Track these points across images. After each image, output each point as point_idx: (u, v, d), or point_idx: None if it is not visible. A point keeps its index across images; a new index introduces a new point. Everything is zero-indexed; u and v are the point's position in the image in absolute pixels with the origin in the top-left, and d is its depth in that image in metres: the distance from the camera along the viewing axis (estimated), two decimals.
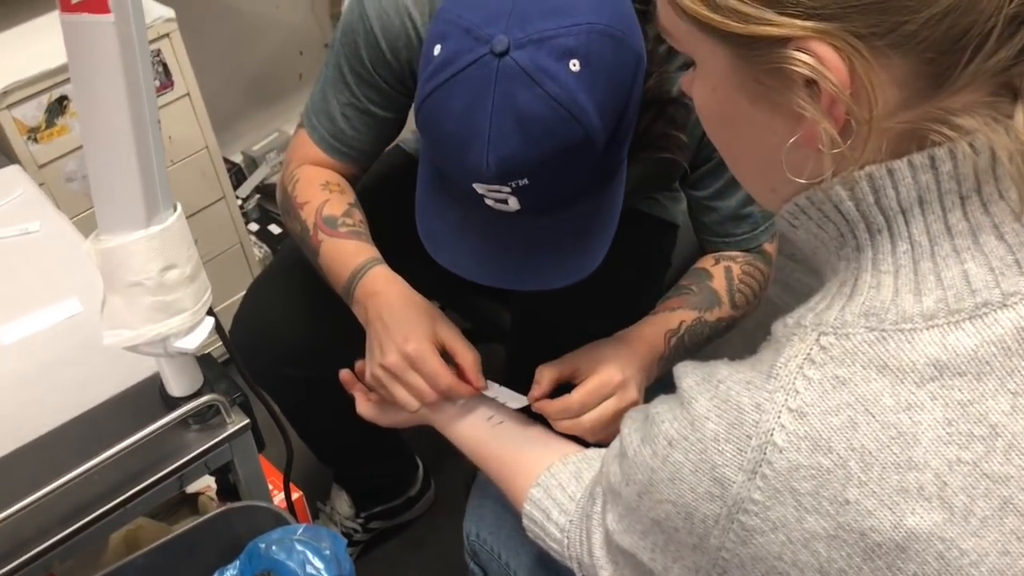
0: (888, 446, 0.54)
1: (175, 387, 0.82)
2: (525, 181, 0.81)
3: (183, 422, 0.81)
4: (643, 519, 0.65)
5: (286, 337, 1.28)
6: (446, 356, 0.97)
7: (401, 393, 0.97)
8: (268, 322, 1.29)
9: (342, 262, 1.07)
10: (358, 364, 1.09)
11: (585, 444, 0.95)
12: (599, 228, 0.87)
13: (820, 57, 0.52)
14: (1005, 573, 0.53)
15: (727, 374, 0.61)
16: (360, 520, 1.63)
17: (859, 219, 0.57)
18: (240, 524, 0.80)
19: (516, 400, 0.97)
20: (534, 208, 0.86)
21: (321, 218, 1.09)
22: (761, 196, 0.65)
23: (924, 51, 0.51)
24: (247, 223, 2.07)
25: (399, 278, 1.04)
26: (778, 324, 0.62)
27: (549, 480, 0.87)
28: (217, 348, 1.70)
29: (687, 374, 0.64)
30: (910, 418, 0.53)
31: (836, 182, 0.56)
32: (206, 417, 0.82)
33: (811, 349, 0.57)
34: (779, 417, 0.56)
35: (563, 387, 0.97)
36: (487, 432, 0.97)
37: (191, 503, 0.97)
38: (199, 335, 0.76)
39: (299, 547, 0.73)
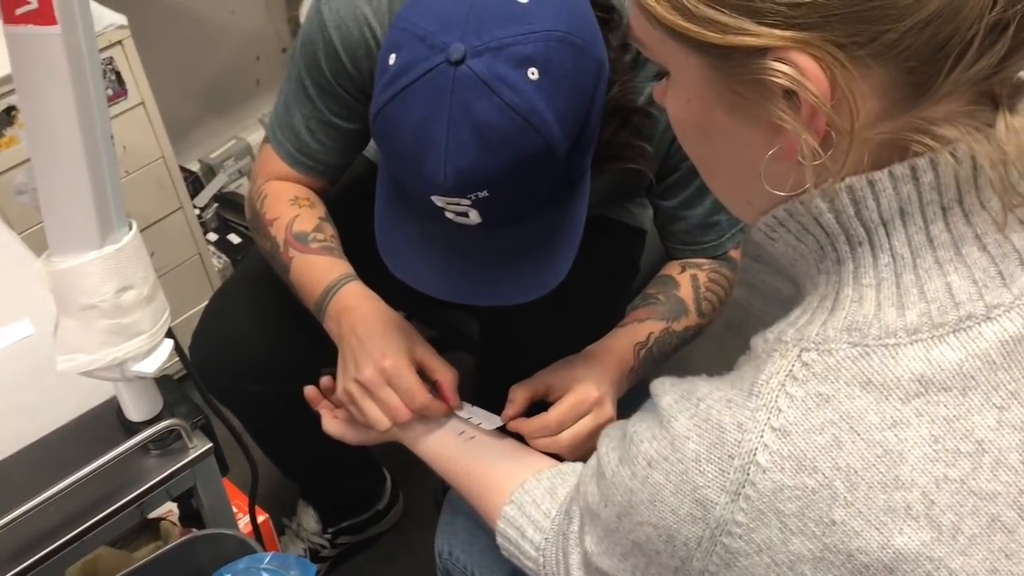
0: (874, 465, 0.52)
1: (134, 412, 0.79)
2: (485, 193, 0.79)
3: (143, 448, 0.78)
4: (623, 541, 0.63)
5: (248, 352, 1.24)
6: (421, 375, 0.95)
7: (373, 410, 0.95)
8: (229, 337, 1.25)
9: (314, 278, 1.04)
10: (323, 380, 1.06)
11: (558, 458, 0.93)
12: (562, 241, 0.86)
13: (800, 67, 0.50)
14: None
15: (707, 392, 0.59)
16: (328, 536, 1.60)
17: (839, 232, 0.56)
18: (204, 553, 0.77)
19: (490, 420, 0.95)
20: (495, 221, 0.84)
21: (291, 234, 1.07)
22: (737, 209, 0.63)
23: (906, 60, 0.50)
24: (205, 233, 2.02)
25: (374, 294, 1.02)
26: (757, 339, 0.60)
27: (523, 497, 0.85)
28: (175, 364, 1.66)
29: (666, 392, 0.62)
30: (896, 436, 0.52)
31: (816, 195, 0.55)
32: (167, 442, 0.79)
33: (793, 366, 0.55)
34: (762, 436, 0.55)
35: (536, 406, 0.96)
36: (458, 448, 0.95)
37: (152, 529, 0.94)
38: (158, 358, 0.73)
39: None
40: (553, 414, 0.93)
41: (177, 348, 0.76)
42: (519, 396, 0.95)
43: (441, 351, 0.99)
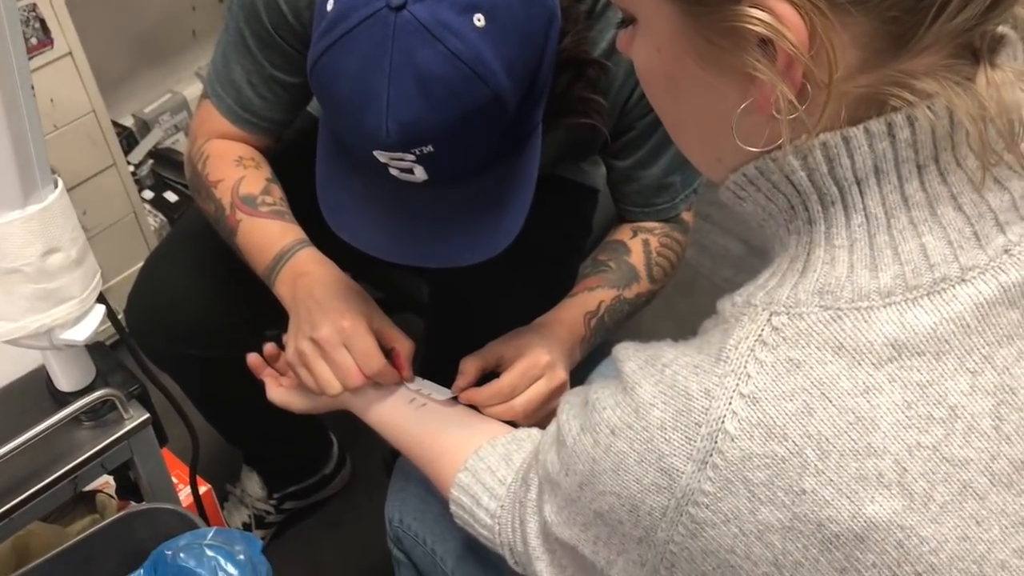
0: (846, 432, 0.51)
1: (64, 382, 0.74)
2: (430, 148, 0.76)
3: (75, 419, 0.74)
4: (584, 511, 0.61)
5: (185, 315, 1.20)
6: None
7: (324, 372, 0.91)
8: (165, 299, 1.21)
9: (265, 243, 1.00)
10: (267, 347, 1.02)
11: (513, 425, 0.91)
12: (513, 199, 0.83)
13: (778, 15, 0.47)
14: (964, 559, 0.50)
15: (672, 357, 0.57)
16: (273, 501, 1.57)
17: (811, 190, 0.54)
18: (143, 529, 0.73)
19: (441, 392, 0.93)
20: (442, 178, 0.80)
21: (238, 197, 1.02)
22: (705, 166, 0.61)
23: (888, 9, 0.47)
24: (141, 191, 1.94)
25: (329, 261, 0.98)
26: (725, 302, 0.58)
27: (477, 464, 0.83)
28: (107, 330, 1.61)
29: (629, 357, 0.60)
30: (868, 402, 0.51)
31: (789, 151, 0.52)
32: (100, 413, 0.75)
33: (763, 330, 0.53)
34: (730, 403, 0.53)
35: (486, 378, 0.93)
36: (409, 416, 0.92)
37: (87, 501, 0.89)
38: (89, 325, 0.69)
39: (210, 552, 0.67)
40: (505, 379, 0.91)
41: (110, 314, 0.72)
42: (470, 367, 0.93)
43: (389, 313, 0.96)
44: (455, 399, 0.92)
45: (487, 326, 1.04)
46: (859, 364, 0.51)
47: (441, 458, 0.87)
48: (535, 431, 0.86)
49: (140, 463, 0.76)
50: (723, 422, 0.52)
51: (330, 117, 0.84)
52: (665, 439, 0.54)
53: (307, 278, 0.96)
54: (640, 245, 1.09)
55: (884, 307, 0.51)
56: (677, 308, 2.04)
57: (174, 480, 0.86)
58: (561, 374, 0.93)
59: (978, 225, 0.52)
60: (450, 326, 1.16)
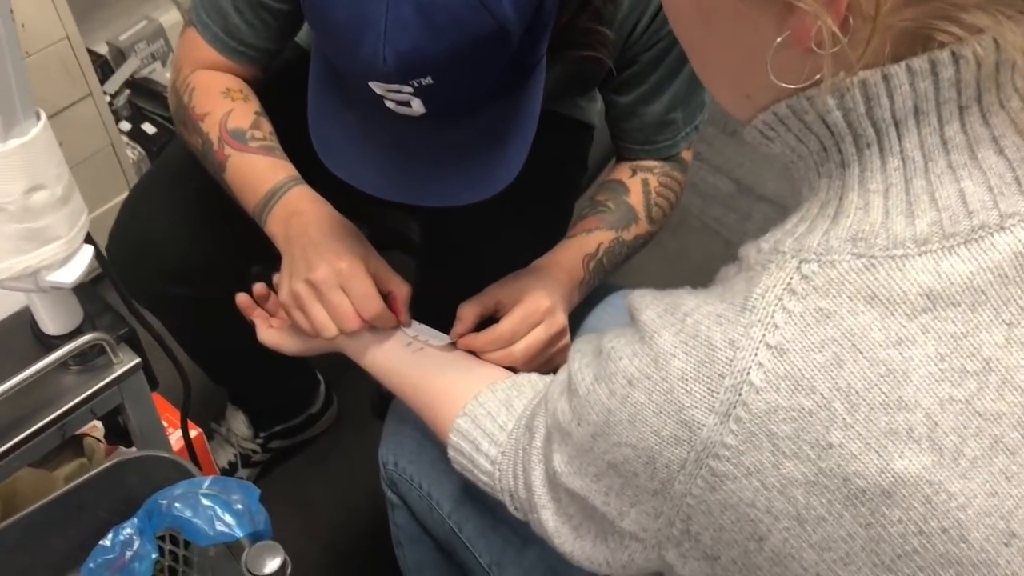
0: (877, 385, 0.49)
1: (50, 325, 0.71)
2: (429, 80, 0.72)
3: (63, 364, 0.71)
4: (596, 462, 0.59)
5: (170, 253, 1.16)
6: None
7: (320, 315, 0.88)
8: (149, 236, 1.17)
9: (256, 180, 0.96)
10: (256, 288, 0.99)
11: (512, 371, 0.89)
12: (514, 136, 0.79)
13: None
14: (992, 515, 0.49)
15: (694, 306, 0.55)
16: (259, 440, 1.55)
17: (846, 131, 0.51)
18: (136, 477, 0.71)
19: (439, 338, 0.90)
20: (440, 112, 0.77)
21: (227, 131, 0.98)
22: (732, 103, 0.58)
23: None
24: (118, 122, 1.88)
25: (323, 200, 0.95)
26: (749, 248, 0.56)
27: (477, 409, 0.81)
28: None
29: (646, 306, 0.58)
30: (900, 354, 0.49)
31: (826, 89, 0.50)
32: (89, 357, 0.72)
33: (791, 278, 0.51)
34: (756, 354, 0.51)
35: (484, 324, 0.91)
36: (407, 360, 0.90)
37: (75, 445, 0.87)
38: (77, 266, 0.65)
39: (206, 502, 0.65)
40: (505, 325, 0.89)
41: (98, 255, 0.68)
42: (467, 313, 0.90)
43: (379, 250, 0.93)
44: (453, 345, 0.90)
45: (478, 267, 1.02)
46: (892, 314, 0.49)
47: (439, 403, 0.85)
48: (535, 376, 0.84)
49: (131, 408, 0.73)
50: (748, 373, 0.51)
51: (324, 45, 0.80)
52: (686, 390, 0.53)
53: (301, 217, 0.92)
54: (639, 185, 1.06)
55: (920, 255, 0.49)
56: (667, 247, 2.02)
57: (164, 424, 0.83)
58: (561, 319, 0.91)
59: (1020, 170, 0.49)
60: (441, 267, 1.13)
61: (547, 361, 0.93)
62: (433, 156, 0.81)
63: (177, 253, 1.16)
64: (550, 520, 0.68)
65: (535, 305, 0.90)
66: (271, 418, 1.55)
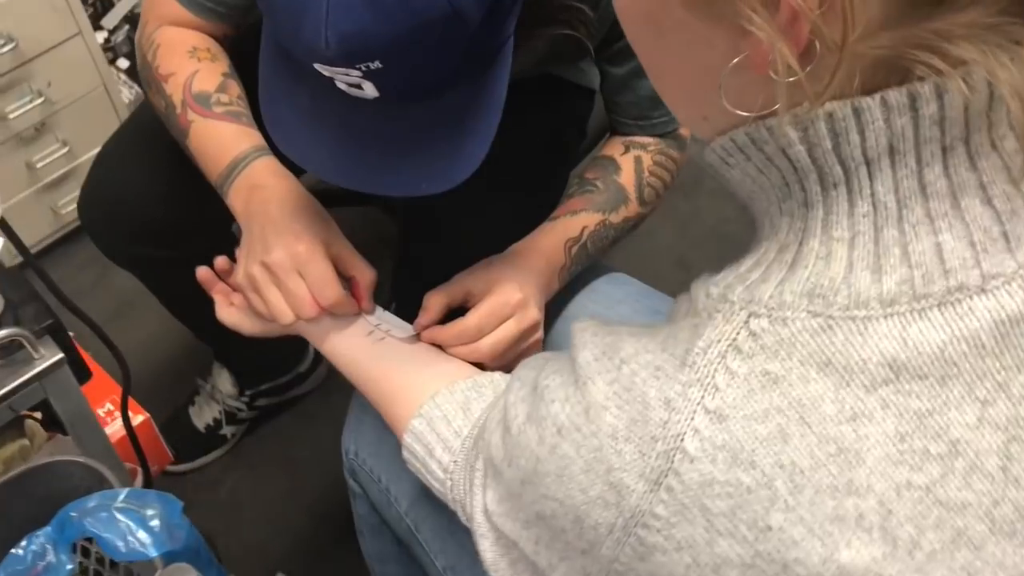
0: (825, 464, 0.43)
1: None
2: (378, 64, 0.65)
3: None
4: (526, 509, 0.54)
5: (141, 212, 1.11)
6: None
7: (276, 300, 0.83)
8: (120, 195, 1.12)
9: (218, 148, 0.90)
10: (218, 261, 0.94)
11: (481, 366, 0.83)
12: (478, 123, 0.72)
13: None
14: None
15: (632, 352, 0.49)
16: (244, 398, 1.52)
17: (810, 168, 0.44)
18: (52, 481, 0.67)
19: (403, 329, 0.85)
20: (394, 95, 0.70)
21: (190, 94, 0.92)
22: (690, 123, 0.51)
23: None
24: (115, 59, 1.82)
25: (289, 173, 0.88)
26: (699, 289, 0.49)
27: (433, 411, 0.76)
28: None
29: (585, 343, 0.52)
30: (855, 431, 0.43)
31: (787, 120, 0.43)
32: (10, 350, 0.68)
33: (738, 333, 0.45)
34: (692, 419, 0.45)
35: (454, 314, 0.85)
36: (366, 350, 0.85)
37: (17, 426, 0.83)
38: None
39: (120, 516, 0.61)
40: (471, 319, 0.83)
41: (15, 241, 0.63)
42: (433, 303, 0.84)
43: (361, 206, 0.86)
44: (417, 337, 0.84)
45: (462, 243, 0.96)
46: (848, 385, 0.43)
47: (396, 400, 0.80)
48: (498, 377, 0.79)
49: (57, 404, 0.69)
50: (683, 440, 0.45)
51: (269, 21, 0.73)
52: (616, 450, 0.47)
53: (262, 192, 0.86)
54: (631, 163, 0.99)
55: (885, 318, 0.42)
56: (679, 210, 1.94)
57: (109, 407, 0.79)
58: (533, 313, 0.85)
59: (1009, 224, 0.42)
60: (422, 242, 1.07)
61: (517, 356, 0.87)
62: (388, 142, 0.74)
63: (149, 213, 1.11)
64: (488, 551, 0.63)
65: (505, 298, 0.84)
66: (257, 376, 1.51)
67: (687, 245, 1.77)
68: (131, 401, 0.89)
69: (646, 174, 0.99)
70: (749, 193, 0.49)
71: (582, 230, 0.94)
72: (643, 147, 0.99)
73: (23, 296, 0.69)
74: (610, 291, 1.00)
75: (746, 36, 0.41)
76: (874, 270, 0.43)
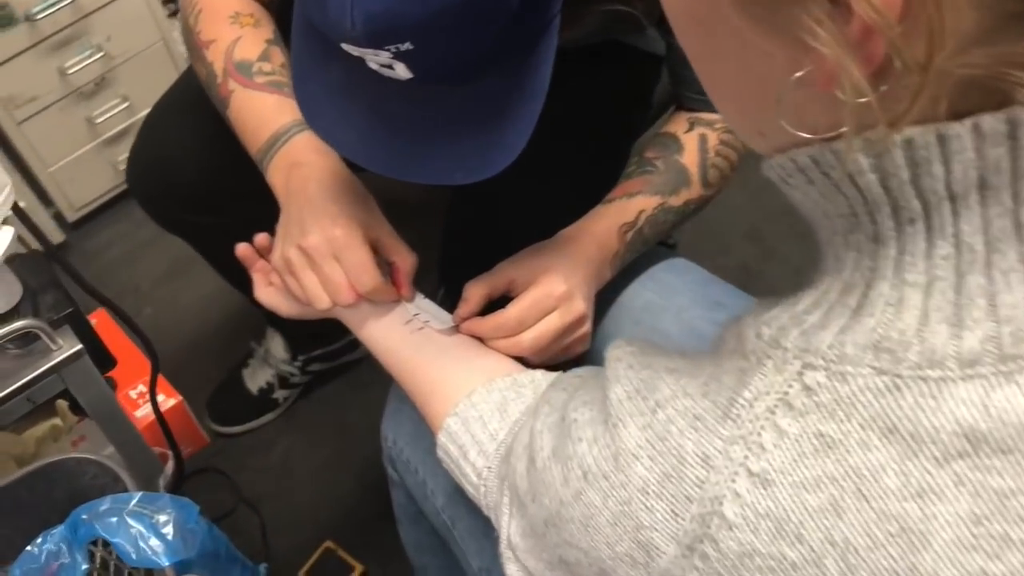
0: (884, 545, 0.37)
1: None
2: (408, 46, 0.60)
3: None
4: (550, 550, 0.50)
5: (187, 180, 1.08)
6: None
7: (313, 285, 0.79)
8: (165, 162, 1.09)
9: (258, 121, 0.86)
10: (258, 238, 0.90)
11: (524, 360, 0.79)
12: (517, 110, 0.66)
13: None
14: None
15: (670, 395, 0.43)
16: (297, 363, 1.50)
17: (883, 200, 0.38)
18: (69, 478, 0.65)
19: (441, 319, 0.80)
20: (428, 77, 0.65)
21: (232, 63, 0.88)
22: (745, 137, 0.44)
23: None
24: (175, 13, 1.79)
25: (331, 151, 0.84)
26: (747, 326, 0.44)
27: (468, 411, 0.71)
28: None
29: (619, 378, 0.46)
30: (921, 509, 0.37)
31: (856, 145, 0.36)
32: (28, 340, 0.65)
33: (790, 387, 0.39)
34: (733, 481, 0.39)
35: (497, 303, 0.80)
36: (404, 340, 0.81)
37: (48, 406, 0.82)
38: None
39: (131, 521, 0.58)
40: (512, 311, 0.78)
41: (31, 229, 0.60)
42: (474, 293, 0.79)
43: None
44: (456, 328, 0.80)
45: (516, 223, 0.90)
46: (915, 456, 0.37)
47: (431, 395, 0.76)
48: (539, 375, 0.74)
49: (77, 393, 0.67)
50: (721, 504, 0.39)
51: None
52: (646, 506, 0.42)
53: (302, 170, 0.82)
54: (695, 141, 0.92)
55: (963, 380, 0.36)
56: (751, 178, 1.84)
57: (141, 388, 0.76)
58: (579, 306, 0.80)
59: None
60: (471, 223, 1.02)
61: (563, 351, 0.82)
62: (421, 126, 0.69)
63: (195, 182, 1.08)
64: (515, 575, 0.59)
65: (549, 289, 0.79)
66: (309, 342, 1.49)
67: (759, 217, 1.68)
68: (165, 383, 0.86)
69: (711, 154, 0.92)
70: (811, 217, 0.43)
71: (638, 214, 0.88)
72: (709, 124, 0.92)
73: (43, 283, 0.67)
74: (668, 279, 0.94)
75: (809, 50, 0.34)
76: (953, 323, 0.37)
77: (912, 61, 0.32)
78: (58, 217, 1.75)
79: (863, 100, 0.34)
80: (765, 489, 0.39)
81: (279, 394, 1.52)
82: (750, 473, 0.39)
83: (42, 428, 0.81)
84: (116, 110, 1.62)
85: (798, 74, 0.36)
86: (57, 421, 0.82)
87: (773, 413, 0.39)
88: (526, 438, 0.54)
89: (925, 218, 0.37)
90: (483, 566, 0.82)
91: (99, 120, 1.61)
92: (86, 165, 1.66)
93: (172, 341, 1.67)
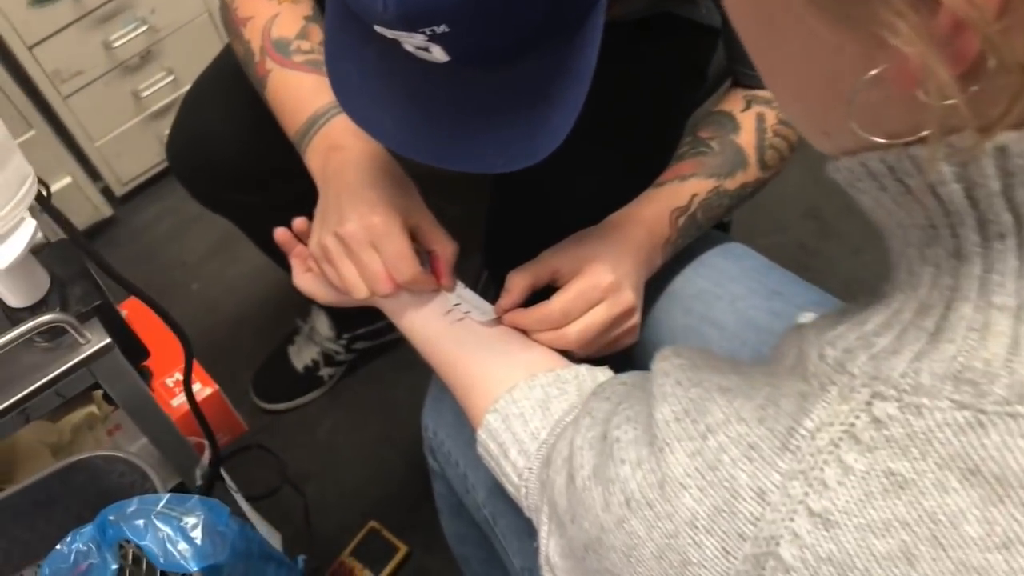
0: None
1: (10, 297, 0.62)
2: (444, 28, 0.56)
3: (28, 340, 0.62)
4: (588, 574, 0.46)
5: (226, 159, 1.06)
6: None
7: (350, 274, 0.76)
8: (204, 141, 1.07)
9: (296, 102, 0.83)
10: (296, 222, 0.88)
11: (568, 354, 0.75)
12: (562, 93, 0.62)
13: None
14: None
15: (722, 419, 0.39)
16: (342, 341, 1.48)
17: (967, 212, 0.33)
18: (98, 476, 0.63)
19: (483, 311, 0.77)
20: (466, 59, 0.61)
21: (269, 41, 0.85)
22: (809, 134, 0.40)
23: None
24: None
25: None
26: (810, 344, 0.39)
27: (509, 407, 0.68)
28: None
29: (665, 397, 0.43)
30: (1007, 562, 0.33)
31: (939, 151, 0.32)
32: (57, 332, 0.63)
33: (857, 418, 0.35)
34: (792, 520, 0.36)
35: (541, 294, 0.76)
36: (444, 332, 0.78)
37: (84, 393, 0.81)
38: (13, 246, 0.55)
39: (160, 524, 0.56)
40: (556, 303, 0.74)
41: (61, 221, 0.58)
42: (517, 284, 0.76)
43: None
44: (499, 320, 0.77)
45: (563, 202, 0.87)
46: (1001, 502, 0.33)
47: (472, 389, 0.73)
48: (584, 371, 0.70)
49: (108, 387, 0.65)
50: (778, 544, 0.36)
51: None
52: (695, 542, 0.38)
53: (341, 153, 0.79)
54: (753, 121, 0.87)
55: None
56: (810, 152, 1.77)
57: (177, 376, 0.75)
58: (627, 297, 0.76)
59: None
60: (515, 205, 0.98)
61: (610, 344, 0.78)
62: (460, 111, 0.65)
63: (235, 162, 1.07)
64: None
65: (595, 280, 0.75)
66: (354, 320, 1.47)
67: (818, 193, 1.62)
68: (201, 372, 0.85)
69: (769, 134, 0.87)
70: (882, 224, 0.39)
71: (691, 198, 0.83)
72: (767, 102, 0.87)
73: (73, 273, 0.65)
74: (723, 266, 0.89)
75: (886, 46, 0.30)
76: None
77: (1012, 60, 0.28)
78: (106, 192, 1.75)
79: (949, 103, 0.30)
80: (827, 531, 0.35)
81: (325, 372, 1.51)
82: (811, 512, 0.35)
83: (78, 415, 0.80)
84: (162, 83, 1.61)
85: (873, 72, 0.31)
86: (93, 409, 0.81)
87: (837, 446, 0.35)
88: (565, 450, 0.51)
89: (1017, 233, 0.33)
90: (525, 566, 0.80)
91: (145, 94, 1.60)
92: (132, 139, 1.66)
93: (218, 316, 1.67)
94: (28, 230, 0.56)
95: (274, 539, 1.29)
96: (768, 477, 0.36)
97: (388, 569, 1.35)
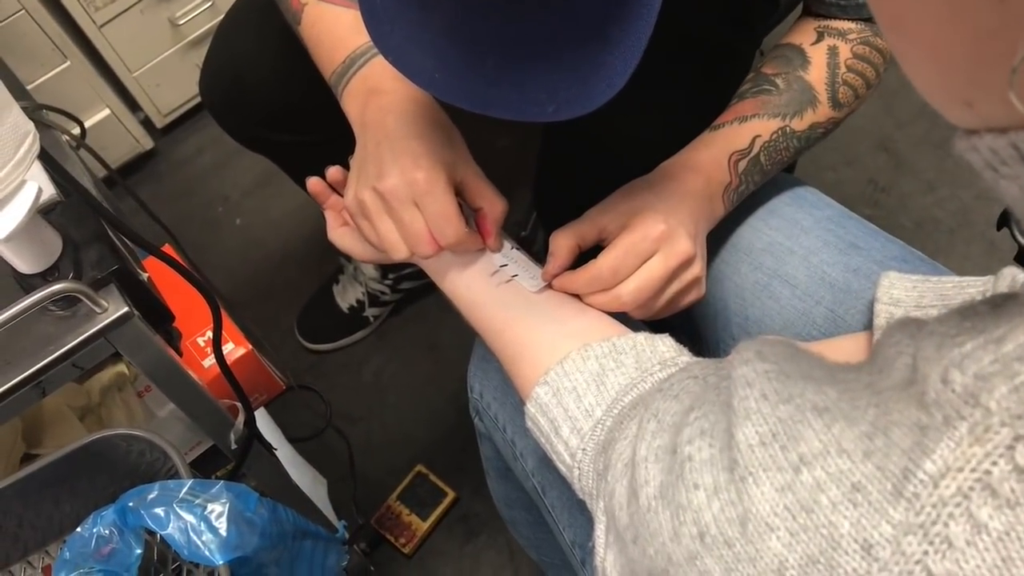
0: None
1: (20, 264, 0.57)
2: None
3: (42, 308, 0.58)
4: None
5: (261, 95, 1.00)
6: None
7: (389, 232, 0.70)
8: (238, 76, 1.01)
9: (333, 39, 0.76)
10: (331, 172, 0.81)
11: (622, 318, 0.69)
12: (623, 34, 0.54)
13: None
14: None
15: (819, 449, 0.33)
16: (388, 281, 1.43)
17: None
18: (118, 455, 0.59)
19: (532, 273, 0.70)
20: None
21: None
22: (943, 104, 0.32)
23: None
24: None
25: None
26: (928, 361, 0.32)
27: (561, 380, 0.62)
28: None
29: (748, 413, 0.36)
30: None
31: None
32: (73, 300, 0.58)
33: (994, 464, 0.28)
34: None
35: (590, 256, 0.69)
36: (489, 294, 0.71)
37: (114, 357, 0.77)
38: (12, 214, 0.50)
39: (182, 511, 0.52)
40: (604, 260, 0.67)
41: (69, 181, 0.52)
42: (561, 245, 0.69)
43: None
44: (549, 284, 0.70)
45: (619, 142, 0.79)
46: None
47: (520, 357, 0.67)
48: (642, 339, 0.63)
49: (129, 357, 0.60)
50: None
51: None
52: None
53: (381, 98, 0.72)
54: (824, 55, 0.78)
55: None
56: (884, 81, 1.67)
57: (208, 335, 0.70)
58: (684, 246, 0.68)
59: None
60: (569, 139, 0.90)
61: (670, 302, 0.71)
62: (510, 51, 0.57)
63: (270, 98, 1.00)
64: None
65: (644, 231, 0.68)
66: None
67: (892, 125, 1.51)
68: (234, 331, 0.80)
69: (842, 69, 0.78)
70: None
71: (753, 139, 0.75)
72: (841, 35, 0.78)
73: (87, 236, 0.59)
74: (794, 216, 0.82)
75: None
76: None
77: None
78: (147, 123, 1.70)
79: None
80: None
81: (370, 312, 1.46)
82: (931, 575, 0.29)
83: (108, 374, 0.76)
84: (199, 10, 1.54)
85: None
86: (123, 368, 0.77)
87: (967, 498, 0.29)
88: (627, 453, 0.45)
89: None
90: (576, 541, 0.75)
91: (181, 21, 1.53)
92: (171, 69, 1.60)
93: (262, 252, 1.63)
94: (30, 193, 0.51)
95: (319, 485, 1.26)
96: (877, 528, 0.30)
97: (436, 514, 1.32)
